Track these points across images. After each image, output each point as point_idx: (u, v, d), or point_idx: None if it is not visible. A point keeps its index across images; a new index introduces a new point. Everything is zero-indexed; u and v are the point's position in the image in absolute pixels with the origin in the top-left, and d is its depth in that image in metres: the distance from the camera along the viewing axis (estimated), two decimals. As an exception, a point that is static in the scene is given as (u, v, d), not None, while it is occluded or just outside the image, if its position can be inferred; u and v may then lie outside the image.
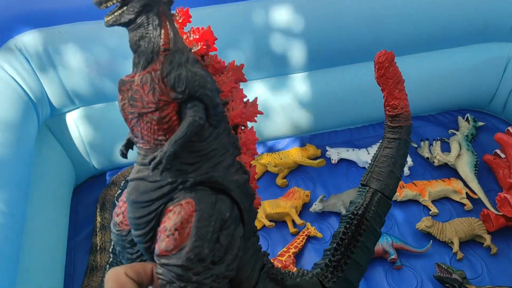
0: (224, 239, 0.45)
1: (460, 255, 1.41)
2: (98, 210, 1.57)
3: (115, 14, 0.50)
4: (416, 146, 1.78)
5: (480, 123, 1.82)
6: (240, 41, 1.47)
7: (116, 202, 1.57)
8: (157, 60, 0.50)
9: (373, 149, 1.70)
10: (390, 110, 0.80)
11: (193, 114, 0.47)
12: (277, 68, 1.61)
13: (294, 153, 1.72)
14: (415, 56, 1.71)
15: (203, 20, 1.43)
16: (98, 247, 1.47)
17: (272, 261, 1.35)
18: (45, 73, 1.39)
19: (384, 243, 1.40)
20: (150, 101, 0.48)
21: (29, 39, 1.34)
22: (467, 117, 1.81)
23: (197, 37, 0.54)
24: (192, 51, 0.52)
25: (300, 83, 1.68)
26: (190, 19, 0.55)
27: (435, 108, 1.91)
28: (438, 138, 1.78)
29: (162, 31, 0.50)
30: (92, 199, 1.66)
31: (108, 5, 0.49)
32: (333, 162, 1.72)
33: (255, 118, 0.55)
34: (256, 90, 1.66)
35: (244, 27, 1.46)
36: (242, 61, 1.61)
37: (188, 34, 0.55)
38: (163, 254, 0.43)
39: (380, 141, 0.82)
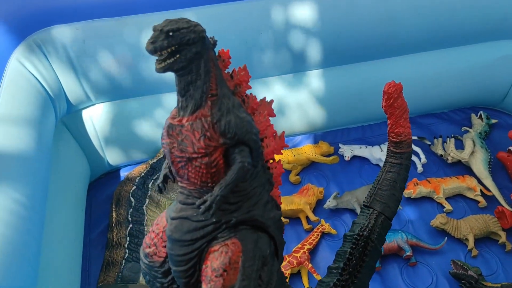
0: (265, 275, 0.48)
1: (475, 252, 1.42)
2: (113, 206, 1.57)
3: (168, 61, 0.52)
4: (429, 143, 1.78)
5: (493, 121, 1.82)
6: (258, 38, 1.48)
7: (131, 198, 1.58)
8: (205, 105, 0.52)
9: (386, 147, 1.70)
10: (394, 136, 0.89)
11: (241, 160, 0.50)
12: (294, 65, 1.62)
13: (308, 150, 1.73)
14: (429, 54, 1.72)
15: (223, 17, 1.44)
16: (114, 243, 1.48)
17: (287, 257, 1.38)
18: (63, 70, 1.41)
19: (399, 240, 1.40)
20: (201, 147, 0.50)
21: (48, 35, 1.35)
22: (480, 115, 1.81)
23: (239, 78, 0.57)
24: (235, 92, 0.56)
25: (315, 80, 1.68)
26: (230, 60, 0.58)
27: (448, 106, 1.91)
28: (452, 135, 1.78)
29: (211, 77, 0.53)
30: (107, 196, 1.67)
31: (163, 53, 0.52)
32: (346, 159, 1.72)
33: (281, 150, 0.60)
34: (273, 87, 1.66)
35: (262, 24, 1.46)
36: (259, 58, 1.61)
37: (230, 75, 0.58)
38: None
39: (383, 165, 0.91)
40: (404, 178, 0.86)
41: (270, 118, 0.56)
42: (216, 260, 0.46)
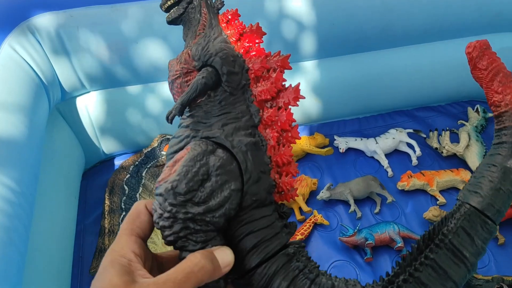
0: (209, 185, 0.46)
1: (467, 244, 1.41)
2: (107, 194, 1.58)
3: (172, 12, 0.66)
4: (424, 136, 1.77)
5: (490, 114, 1.81)
6: (251, 27, 1.47)
7: (125, 186, 1.58)
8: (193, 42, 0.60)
9: (382, 139, 1.70)
10: (493, 109, 0.60)
11: (198, 76, 0.53)
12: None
13: (302, 142, 1.73)
14: (426, 45, 1.70)
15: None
16: (107, 230, 1.49)
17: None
18: (57, 57, 1.40)
19: (391, 231, 1.40)
20: (178, 69, 0.57)
21: (41, 22, 1.35)
22: (477, 108, 1.80)
23: (254, 53, 0.59)
24: (251, 67, 0.56)
25: (309, 71, 1.68)
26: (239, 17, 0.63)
27: (445, 99, 1.90)
28: (447, 128, 1.77)
29: (201, 20, 0.62)
30: (101, 184, 1.67)
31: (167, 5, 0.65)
32: (341, 151, 1.72)
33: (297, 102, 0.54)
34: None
35: (255, 13, 1.45)
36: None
37: (246, 49, 0.59)
38: (156, 185, 0.47)
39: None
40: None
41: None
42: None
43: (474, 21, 1.63)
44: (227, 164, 0.47)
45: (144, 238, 0.46)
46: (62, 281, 1.33)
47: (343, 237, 1.41)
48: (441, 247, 0.47)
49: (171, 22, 0.67)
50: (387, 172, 1.65)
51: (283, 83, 0.54)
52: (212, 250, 0.44)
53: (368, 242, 1.37)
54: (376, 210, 1.52)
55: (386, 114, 1.89)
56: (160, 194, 0.45)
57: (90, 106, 1.59)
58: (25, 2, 1.35)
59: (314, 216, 1.49)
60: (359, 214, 1.51)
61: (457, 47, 1.73)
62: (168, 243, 0.45)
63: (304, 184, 1.57)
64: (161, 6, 0.66)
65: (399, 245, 1.39)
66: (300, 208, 1.54)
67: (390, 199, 1.52)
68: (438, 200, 1.55)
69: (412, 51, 1.70)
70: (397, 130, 1.73)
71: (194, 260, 0.42)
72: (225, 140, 0.49)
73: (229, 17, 0.62)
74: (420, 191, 1.58)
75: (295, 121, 0.52)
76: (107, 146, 1.71)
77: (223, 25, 0.62)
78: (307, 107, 1.77)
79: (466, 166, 1.63)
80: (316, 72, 1.67)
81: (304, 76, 1.69)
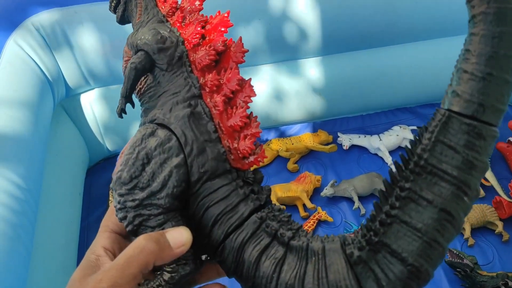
0: (149, 167, 0.44)
1: (471, 241, 1.42)
2: (111, 191, 1.58)
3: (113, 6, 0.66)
4: (428, 133, 1.77)
5: (494, 112, 1.80)
6: (254, 24, 1.47)
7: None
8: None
9: (385, 136, 1.70)
10: None
11: (129, 63, 0.53)
12: (291, 53, 1.61)
13: (306, 139, 1.73)
14: (429, 42, 1.70)
15: (217, 1, 1.44)
16: (111, 227, 1.49)
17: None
18: (61, 53, 1.41)
19: (395, 228, 1.40)
20: (123, 63, 0.58)
21: (46, 18, 1.35)
22: (481, 105, 1.80)
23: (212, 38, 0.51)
24: (186, 37, 0.53)
25: (313, 68, 1.68)
26: None
27: (448, 96, 1.90)
28: (451, 125, 1.77)
29: (138, 9, 0.61)
30: (105, 181, 1.68)
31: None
32: (344, 148, 1.72)
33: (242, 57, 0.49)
34: (269, 74, 1.66)
35: (259, 10, 1.45)
36: (255, 45, 1.60)
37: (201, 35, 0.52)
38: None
39: None
40: None
41: (255, 91, 0.48)
42: None
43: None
44: (165, 142, 0.45)
45: (121, 232, 0.47)
46: (67, 276, 1.33)
47: (347, 233, 1.41)
48: (418, 172, 0.36)
49: (120, 22, 0.66)
50: (391, 169, 1.64)
51: (221, 44, 0.49)
52: (163, 232, 0.43)
53: (372, 238, 1.37)
54: (380, 207, 1.52)
55: (389, 111, 1.89)
56: (112, 188, 0.45)
57: (94, 103, 1.59)
58: (30, -2, 1.36)
59: (318, 213, 1.49)
60: (363, 210, 1.51)
61: (460, 44, 1.69)
62: (130, 233, 0.44)
63: (308, 180, 1.57)
64: (109, 9, 0.66)
65: (404, 241, 1.39)
66: (304, 205, 1.54)
67: (394, 196, 1.52)
68: (442, 197, 1.54)
69: (416, 48, 1.70)
70: (400, 127, 1.73)
71: (134, 244, 0.41)
72: (163, 118, 0.48)
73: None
74: (424, 188, 1.58)
75: (243, 79, 0.47)
76: (111, 143, 1.71)
77: (161, 6, 0.58)
78: (310, 104, 1.77)
79: (470, 163, 1.63)
80: (320, 69, 1.68)
81: (308, 73, 1.68)
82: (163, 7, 0.58)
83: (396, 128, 1.73)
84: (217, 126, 0.47)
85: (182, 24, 0.54)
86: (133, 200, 0.43)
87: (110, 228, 0.46)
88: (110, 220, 0.47)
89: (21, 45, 1.31)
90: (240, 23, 1.46)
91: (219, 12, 0.51)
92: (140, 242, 0.41)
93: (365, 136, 1.74)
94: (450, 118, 0.35)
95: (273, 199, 1.53)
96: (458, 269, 1.32)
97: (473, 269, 1.31)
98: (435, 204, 0.35)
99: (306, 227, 1.45)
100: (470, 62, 0.36)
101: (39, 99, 1.28)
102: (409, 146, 0.38)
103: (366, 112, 1.89)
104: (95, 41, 1.41)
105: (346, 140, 1.72)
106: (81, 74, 1.47)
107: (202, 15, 0.53)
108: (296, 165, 1.69)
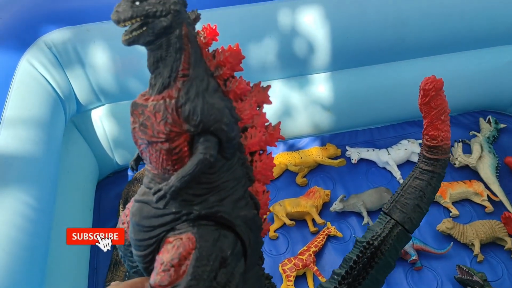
0: (222, 277, 0.43)
1: (480, 257, 1.42)
2: (121, 205, 1.59)
3: (133, 34, 0.47)
4: (436, 147, 1.77)
5: (502, 125, 1.81)
6: (265, 40, 1.48)
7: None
8: (174, 86, 0.47)
9: (394, 150, 1.71)
10: (428, 140, 0.74)
11: (204, 151, 0.44)
12: (301, 68, 1.62)
13: (315, 152, 1.73)
14: (438, 57, 1.71)
15: (229, 19, 1.45)
16: (122, 242, 1.50)
17: (292, 259, 1.37)
18: (73, 71, 1.42)
19: (404, 244, 1.41)
20: (161, 131, 0.46)
21: (58, 36, 1.36)
22: (489, 119, 1.80)
23: (222, 59, 0.50)
24: (215, 75, 0.49)
25: (322, 83, 1.68)
26: (217, 38, 0.51)
27: (456, 109, 1.90)
28: (460, 139, 1.77)
29: (183, 55, 0.47)
30: (115, 194, 1.69)
31: (126, 24, 0.46)
32: (353, 162, 1.72)
33: (276, 142, 0.53)
34: (279, 88, 1.67)
35: (269, 26, 1.46)
36: (265, 61, 1.61)
37: (212, 55, 0.50)
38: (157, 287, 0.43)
39: (412, 170, 0.77)
40: (435, 189, 0.74)
41: (264, 105, 0.50)
42: (167, 253, 0.43)
43: (486, 33, 1.64)
44: (235, 247, 0.45)
45: None
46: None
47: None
48: (379, 263, 0.68)
49: (129, 44, 0.49)
50: (400, 183, 1.65)
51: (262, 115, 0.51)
52: None
53: (382, 255, 1.38)
54: (389, 222, 1.53)
55: (397, 125, 1.89)
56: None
57: (104, 118, 1.61)
58: (41, 17, 1.37)
59: (328, 228, 1.50)
60: (372, 226, 1.51)
61: (469, 58, 1.73)
62: None
63: (317, 195, 1.57)
64: (114, 22, 0.48)
65: (413, 258, 1.39)
66: (313, 220, 1.55)
67: (403, 211, 1.53)
68: (451, 212, 1.55)
69: (424, 63, 1.71)
70: (409, 141, 1.73)
71: None
72: (228, 219, 0.46)
73: (205, 41, 0.51)
74: (433, 203, 1.57)
75: (275, 165, 0.50)
76: (120, 157, 1.73)
77: (207, 59, 0.51)
78: (319, 118, 1.78)
79: (479, 178, 1.63)
80: (329, 84, 1.68)
81: (317, 88, 1.69)
82: (211, 64, 0.51)
83: (404, 142, 1.74)
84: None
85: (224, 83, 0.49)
86: None
87: None
88: None
89: (34, 64, 1.32)
90: (252, 39, 1.47)
91: (229, 46, 0.50)
92: None
93: (373, 150, 1.74)
94: (402, 232, 0.77)
95: (283, 213, 1.53)
96: (468, 287, 1.32)
97: (483, 286, 1.31)
98: (381, 283, 0.67)
99: (315, 243, 1.46)
100: (422, 200, 0.76)
101: (51, 118, 1.29)
102: (371, 243, 0.70)
103: (375, 125, 1.90)
104: (106, 58, 1.42)
105: (355, 153, 1.73)
106: (92, 91, 1.49)
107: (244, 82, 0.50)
108: (305, 179, 1.70)
